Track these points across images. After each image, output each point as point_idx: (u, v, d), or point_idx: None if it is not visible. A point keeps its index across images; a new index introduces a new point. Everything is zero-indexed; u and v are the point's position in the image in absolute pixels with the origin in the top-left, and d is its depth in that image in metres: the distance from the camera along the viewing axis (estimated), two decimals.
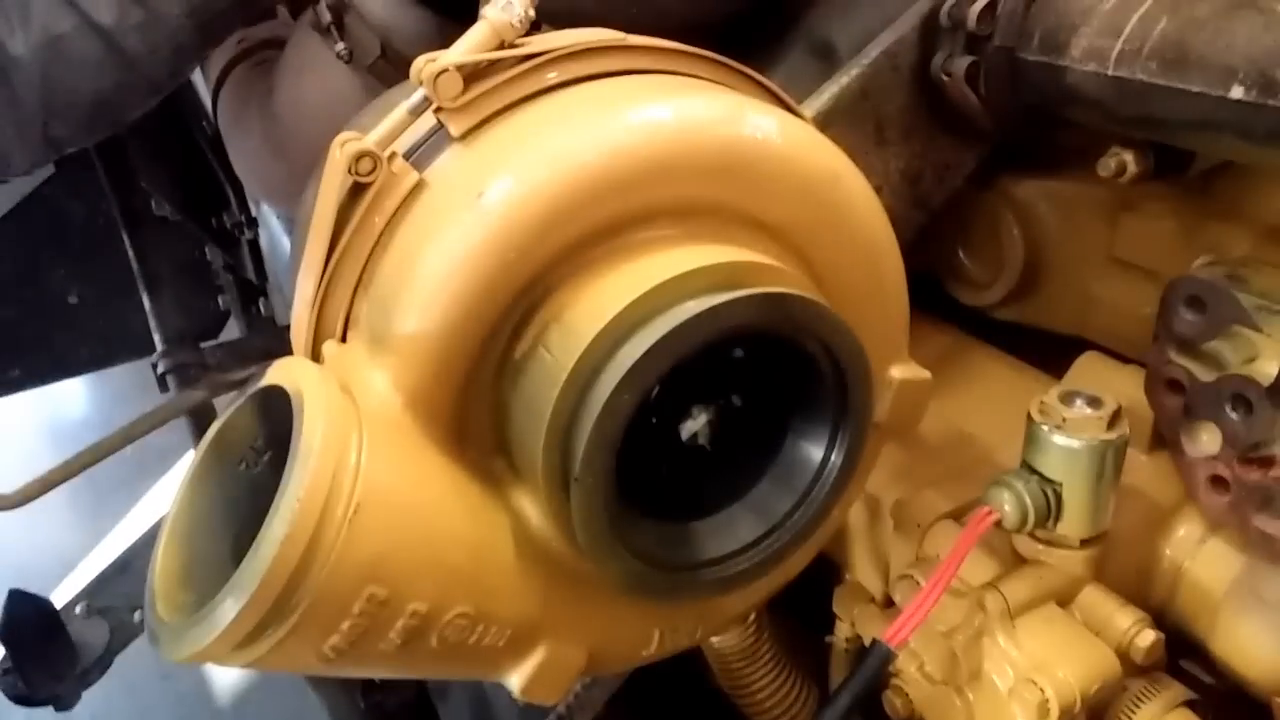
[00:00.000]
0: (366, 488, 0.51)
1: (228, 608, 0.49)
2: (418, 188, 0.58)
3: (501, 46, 0.59)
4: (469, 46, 0.58)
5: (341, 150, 0.57)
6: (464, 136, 0.59)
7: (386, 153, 0.58)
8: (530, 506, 0.59)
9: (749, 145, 0.59)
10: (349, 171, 0.57)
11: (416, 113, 0.60)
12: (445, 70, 0.57)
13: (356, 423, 0.52)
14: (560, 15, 1.02)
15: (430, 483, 0.56)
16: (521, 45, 0.60)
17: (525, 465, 0.57)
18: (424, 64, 0.57)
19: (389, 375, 0.55)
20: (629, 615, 0.67)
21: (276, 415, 0.53)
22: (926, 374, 0.71)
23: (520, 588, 0.60)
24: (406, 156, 0.59)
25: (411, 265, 0.56)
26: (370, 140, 0.58)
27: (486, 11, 0.59)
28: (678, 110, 0.58)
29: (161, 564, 0.56)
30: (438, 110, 0.58)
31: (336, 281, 0.59)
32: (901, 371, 0.70)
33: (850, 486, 0.64)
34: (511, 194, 0.54)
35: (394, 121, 0.59)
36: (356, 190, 0.58)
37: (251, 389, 0.57)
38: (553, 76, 0.60)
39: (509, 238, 0.54)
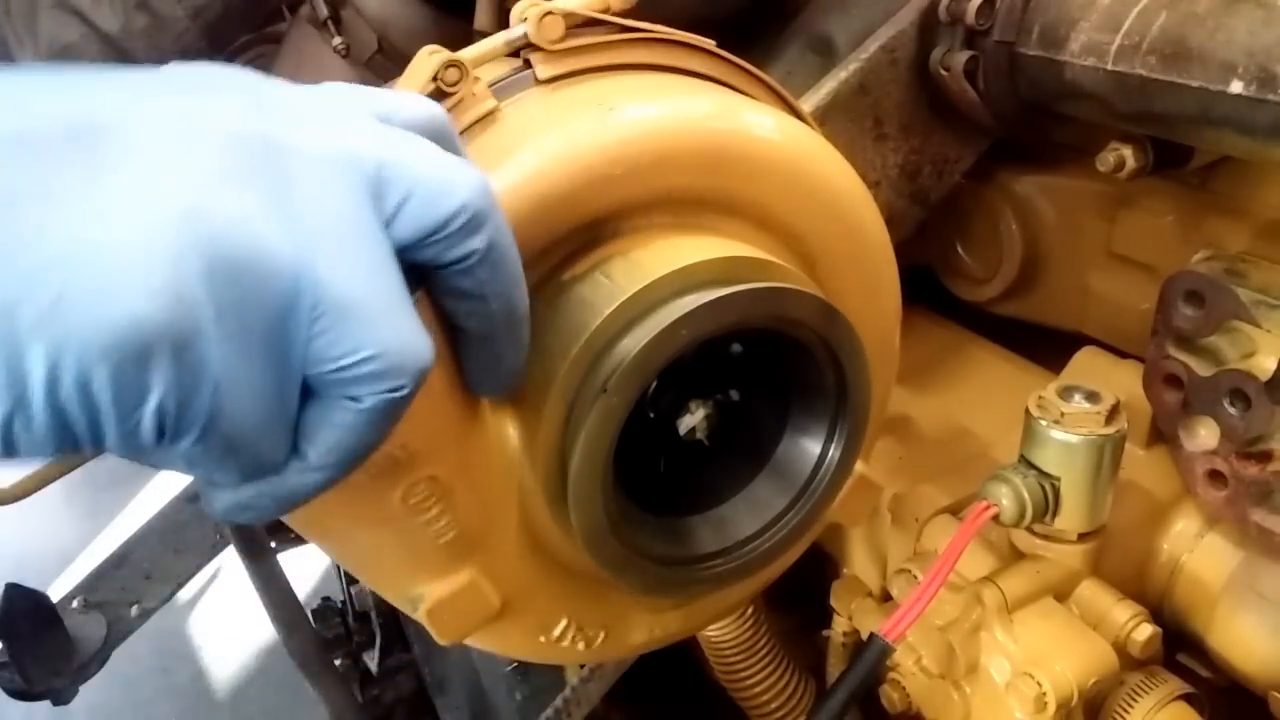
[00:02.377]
0: None
1: None
2: (490, 116, 0.57)
3: (609, 10, 0.59)
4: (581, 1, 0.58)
5: (429, 56, 0.55)
6: (549, 81, 0.59)
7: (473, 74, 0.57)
8: (512, 428, 0.58)
9: (748, 142, 0.59)
10: (433, 79, 0.55)
11: (512, 47, 0.59)
12: (550, 13, 0.57)
13: None
14: None
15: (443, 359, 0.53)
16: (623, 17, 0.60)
17: (536, 382, 0.55)
18: (529, 4, 0.58)
19: None
20: (623, 603, 0.67)
21: None
22: (878, 483, 0.72)
23: (490, 496, 0.58)
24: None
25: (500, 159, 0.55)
26: (462, 53, 0.57)
27: None
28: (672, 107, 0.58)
29: None
30: (531, 49, 0.58)
31: None
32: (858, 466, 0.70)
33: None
34: (639, 118, 0.55)
35: (489, 47, 0.59)
36: (436, 98, 0.56)
37: None
38: (652, 58, 0.61)
39: (628, 153, 0.54)
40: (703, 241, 0.57)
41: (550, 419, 0.54)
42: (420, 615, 0.59)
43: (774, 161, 0.60)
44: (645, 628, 0.70)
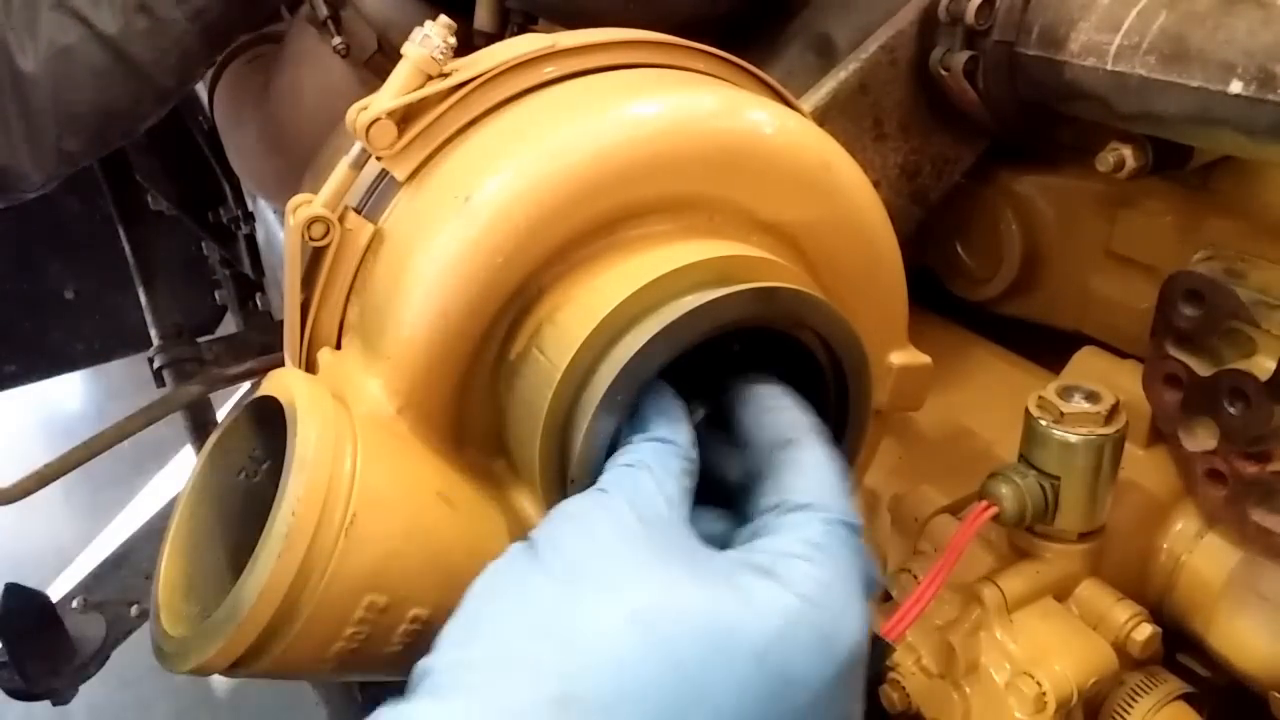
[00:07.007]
0: (362, 497, 0.51)
1: (228, 622, 0.50)
2: (375, 239, 0.58)
3: (429, 80, 0.58)
4: (396, 89, 0.57)
5: (295, 216, 0.57)
6: (411, 177, 0.58)
7: (339, 210, 0.58)
8: (530, 505, 0.59)
9: (742, 139, 0.59)
10: (304, 239, 0.57)
11: (359, 165, 0.59)
12: (377, 119, 0.56)
13: (350, 432, 0.52)
14: (561, 13, 1.01)
15: (427, 488, 0.55)
16: (450, 74, 0.59)
17: (523, 466, 0.57)
18: (355, 114, 0.57)
19: (382, 381, 0.55)
20: None
21: (272, 425, 0.53)
22: (926, 359, 0.71)
23: None
24: (360, 206, 0.59)
25: (400, 273, 0.56)
26: (320, 201, 0.58)
27: (406, 49, 0.58)
28: (671, 106, 0.58)
29: (165, 576, 0.56)
30: (379, 159, 0.58)
31: (329, 288, 0.59)
32: (901, 358, 0.70)
33: (853, 472, 0.64)
34: (494, 200, 0.54)
35: (339, 179, 0.59)
36: (318, 252, 0.58)
37: (246, 399, 0.57)
38: (495, 96, 0.60)
39: (495, 242, 0.54)
40: (632, 273, 0.56)
41: (545, 496, 0.56)
42: None
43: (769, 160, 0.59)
44: None
